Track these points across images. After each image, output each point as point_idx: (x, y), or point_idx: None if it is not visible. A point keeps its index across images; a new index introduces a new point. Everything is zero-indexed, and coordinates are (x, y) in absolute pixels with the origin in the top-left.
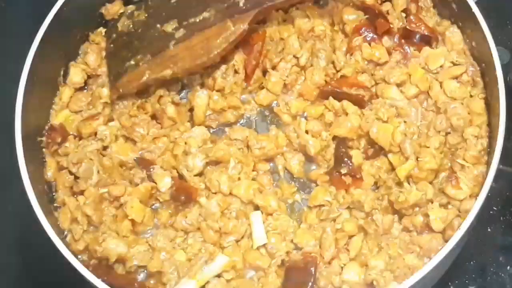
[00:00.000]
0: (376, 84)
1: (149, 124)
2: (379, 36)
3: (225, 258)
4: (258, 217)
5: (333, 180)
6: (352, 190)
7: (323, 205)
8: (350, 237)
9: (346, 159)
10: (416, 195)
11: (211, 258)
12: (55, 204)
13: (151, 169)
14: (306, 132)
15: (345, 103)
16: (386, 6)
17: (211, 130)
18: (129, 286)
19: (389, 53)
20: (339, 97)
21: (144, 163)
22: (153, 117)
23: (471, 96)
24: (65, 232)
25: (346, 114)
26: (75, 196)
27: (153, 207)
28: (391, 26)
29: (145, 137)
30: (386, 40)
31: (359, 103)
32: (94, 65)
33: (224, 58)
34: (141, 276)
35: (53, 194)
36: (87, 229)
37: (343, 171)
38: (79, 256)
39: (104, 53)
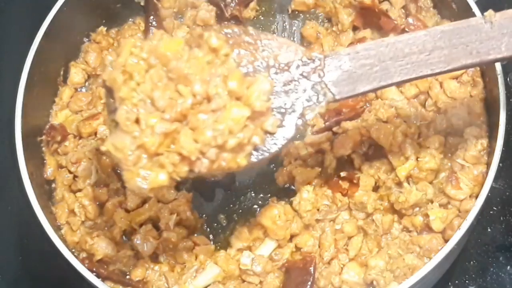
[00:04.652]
0: None
1: None
2: (384, 33)
3: (216, 269)
4: (270, 247)
5: (329, 183)
6: (352, 193)
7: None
8: (350, 237)
9: (348, 163)
10: (416, 195)
11: (202, 267)
12: (53, 201)
13: None
14: None
15: (344, 123)
16: (384, 5)
17: None
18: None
19: None
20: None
21: None
22: None
23: (471, 96)
24: (62, 226)
25: (346, 131)
26: (74, 193)
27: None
28: (396, 23)
29: None
30: None
31: (357, 114)
32: (95, 64)
33: None
34: None
35: (53, 192)
36: (84, 220)
37: (343, 174)
38: (80, 254)
39: (105, 53)
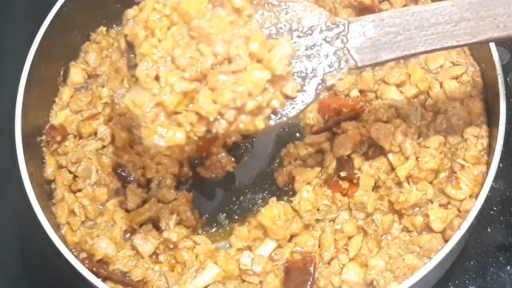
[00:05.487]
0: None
1: None
2: None
3: (216, 269)
4: (270, 247)
5: (329, 183)
6: (352, 193)
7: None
8: (350, 237)
9: (348, 163)
10: (416, 195)
11: (202, 267)
12: (53, 201)
13: None
14: None
15: (344, 123)
16: (384, 5)
17: None
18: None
19: None
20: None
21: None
22: None
23: (471, 96)
24: (62, 226)
25: (346, 131)
26: (74, 193)
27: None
28: None
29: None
30: None
31: (357, 114)
32: (95, 64)
33: None
34: None
35: (53, 192)
36: (84, 220)
37: (342, 174)
38: (80, 254)
39: (105, 53)
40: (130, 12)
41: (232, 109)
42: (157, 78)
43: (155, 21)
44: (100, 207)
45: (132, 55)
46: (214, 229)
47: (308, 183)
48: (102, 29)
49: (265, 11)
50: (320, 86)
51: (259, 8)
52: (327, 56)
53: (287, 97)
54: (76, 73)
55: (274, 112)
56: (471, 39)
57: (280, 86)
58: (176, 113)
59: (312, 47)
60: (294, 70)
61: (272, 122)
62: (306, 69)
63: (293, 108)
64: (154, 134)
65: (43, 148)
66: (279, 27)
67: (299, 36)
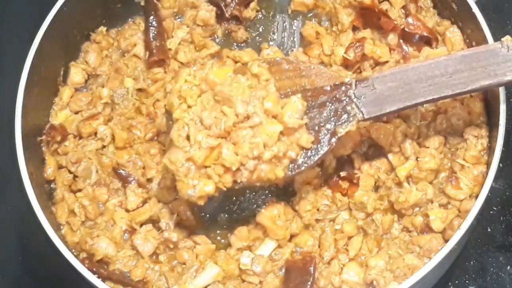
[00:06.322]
0: None
1: (147, 126)
2: (384, 33)
3: (216, 269)
4: (270, 247)
5: (329, 183)
6: (352, 193)
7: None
8: (350, 237)
9: (348, 163)
10: (416, 195)
11: (202, 267)
12: (53, 201)
13: None
14: None
15: None
16: (384, 5)
17: None
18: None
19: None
20: None
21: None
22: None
23: (471, 96)
24: (62, 226)
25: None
26: (74, 193)
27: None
28: (395, 23)
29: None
30: (392, 37)
31: None
32: (95, 64)
33: None
34: None
35: (53, 192)
36: (84, 220)
37: (342, 174)
38: (80, 254)
39: (105, 53)
40: (168, 86)
41: (252, 159)
42: (188, 138)
43: (187, 90)
44: (101, 207)
45: (171, 122)
46: (214, 229)
47: (308, 183)
48: (102, 29)
49: (282, 76)
50: (333, 138)
51: (277, 74)
52: (337, 110)
53: (303, 148)
54: (76, 73)
55: (292, 162)
56: (465, 87)
57: (295, 139)
58: (205, 166)
59: (324, 104)
60: (308, 124)
61: (291, 171)
62: (319, 122)
63: (310, 158)
64: (187, 186)
65: (43, 148)
66: (294, 88)
67: (311, 95)
